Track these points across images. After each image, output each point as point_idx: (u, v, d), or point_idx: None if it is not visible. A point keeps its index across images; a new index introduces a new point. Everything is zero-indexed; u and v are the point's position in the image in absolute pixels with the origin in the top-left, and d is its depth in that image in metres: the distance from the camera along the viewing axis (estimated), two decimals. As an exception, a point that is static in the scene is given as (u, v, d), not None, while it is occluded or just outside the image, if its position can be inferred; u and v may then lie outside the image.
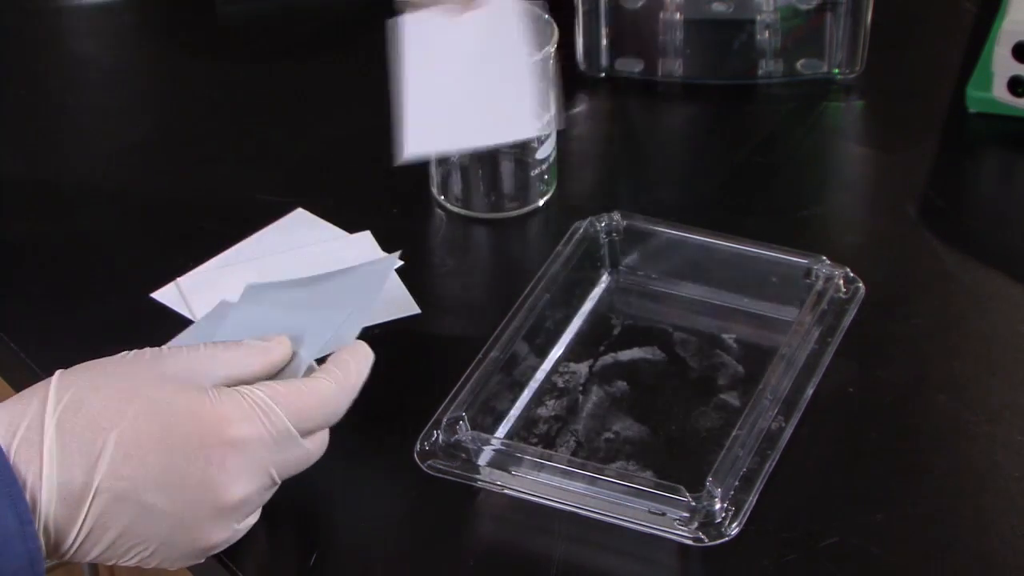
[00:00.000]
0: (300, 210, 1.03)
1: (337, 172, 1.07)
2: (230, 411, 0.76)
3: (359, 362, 0.82)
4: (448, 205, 1.04)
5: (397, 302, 0.96)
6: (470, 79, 0.95)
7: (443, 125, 0.94)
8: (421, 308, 0.97)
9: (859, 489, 0.85)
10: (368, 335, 0.94)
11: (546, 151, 1.02)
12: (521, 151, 1.02)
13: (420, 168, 1.03)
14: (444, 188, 1.04)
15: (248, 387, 0.77)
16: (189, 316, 0.95)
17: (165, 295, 0.97)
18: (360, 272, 0.89)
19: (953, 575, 0.81)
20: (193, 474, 0.74)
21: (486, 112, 0.95)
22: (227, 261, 0.99)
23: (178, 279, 0.98)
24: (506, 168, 1.03)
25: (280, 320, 0.85)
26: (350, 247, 1.00)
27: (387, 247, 1.00)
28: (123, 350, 0.94)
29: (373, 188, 1.05)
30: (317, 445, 0.80)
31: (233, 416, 0.75)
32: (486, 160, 1.02)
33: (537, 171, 1.03)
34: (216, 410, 0.75)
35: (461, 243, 1.03)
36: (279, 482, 0.78)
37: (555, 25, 1.00)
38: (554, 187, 1.04)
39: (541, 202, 1.04)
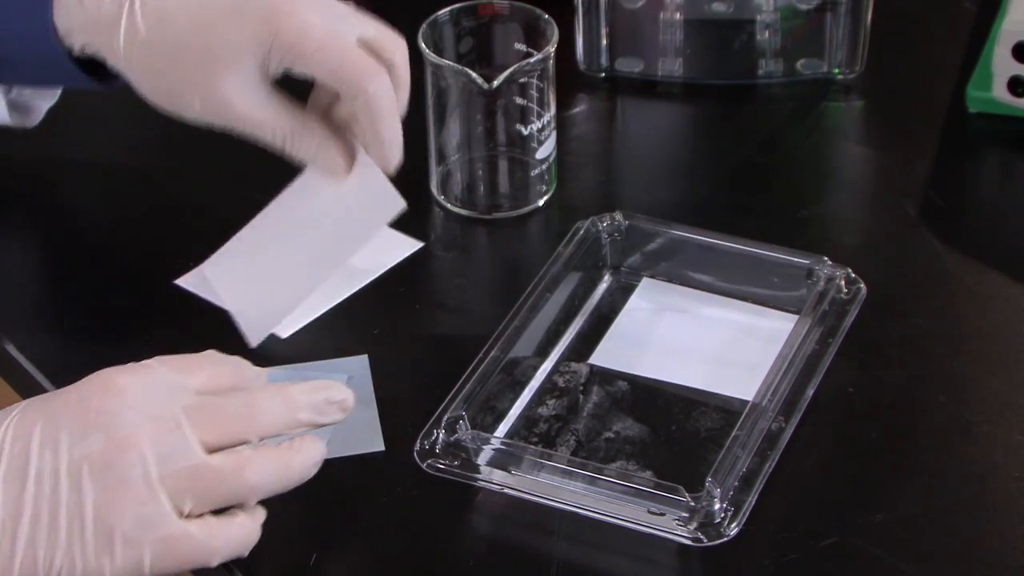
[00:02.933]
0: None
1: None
2: None
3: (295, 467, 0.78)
4: (448, 205, 1.04)
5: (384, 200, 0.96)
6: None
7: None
8: (421, 308, 0.97)
9: (859, 489, 0.85)
10: (368, 335, 0.94)
11: (546, 151, 1.02)
12: (521, 151, 1.02)
13: (420, 167, 1.03)
14: (444, 188, 1.04)
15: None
16: (216, 302, 0.95)
17: (189, 281, 0.97)
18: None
19: (953, 575, 0.81)
20: None
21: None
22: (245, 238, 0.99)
23: (203, 266, 0.97)
24: (506, 168, 1.03)
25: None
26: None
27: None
28: (123, 350, 0.95)
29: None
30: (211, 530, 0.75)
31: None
32: (486, 160, 1.02)
33: (537, 171, 1.03)
34: None
35: (461, 243, 1.03)
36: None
37: (555, 25, 1.00)
38: (554, 187, 1.04)
39: (541, 202, 1.04)
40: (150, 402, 0.74)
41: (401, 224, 1.02)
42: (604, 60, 1.15)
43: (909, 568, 0.81)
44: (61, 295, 0.99)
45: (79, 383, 0.75)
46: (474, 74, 0.97)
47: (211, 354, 0.78)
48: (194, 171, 1.07)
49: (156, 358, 0.77)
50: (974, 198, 1.09)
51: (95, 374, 0.75)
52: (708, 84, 1.15)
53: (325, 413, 0.78)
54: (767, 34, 1.13)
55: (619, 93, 1.15)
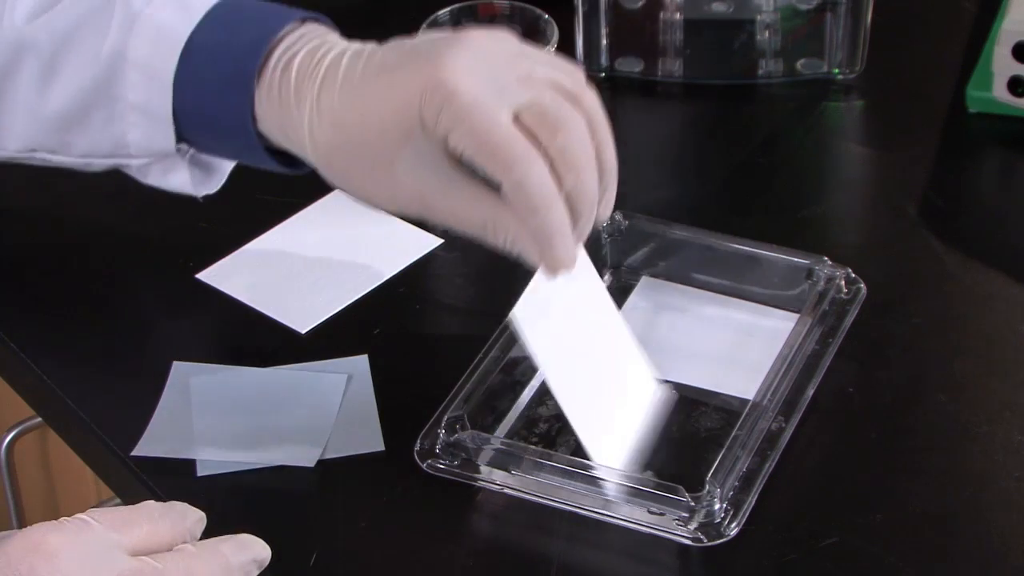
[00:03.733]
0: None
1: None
2: None
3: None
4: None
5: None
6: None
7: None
8: (422, 308, 0.97)
9: (859, 489, 0.85)
10: (369, 335, 0.94)
11: None
12: None
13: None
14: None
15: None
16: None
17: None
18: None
19: (953, 575, 0.81)
20: None
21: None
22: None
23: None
24: None
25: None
26: (387, 230, 1.00)
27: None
28: (122, 350, 0.95)
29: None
30: None
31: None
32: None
33: None
34: None
35: (461, 242, 1.03)
36: None
37: (555, 25, 1.00)
38: None
39: None
40: (84, 569, 0.67)
41: (401, 224, 1.02)
42: (604, 60, 1.15)
43: (909, 568, 0.81)
44: (61, 295, 0.99)
45: (7, 542, 0.67)
46: None
47: (149, 506, 0.72)
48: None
49: (91, 511, 0.71)
50: (974, 198, 1.09)
51: (26, 532, 0.68)
52: (708, 84, 1.15)
53: (251, 574, 0.74)
54: (767, 34, 1.13)
55: (619, 93, 1.15)
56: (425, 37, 0.83)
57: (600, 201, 0.81)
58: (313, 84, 0.84)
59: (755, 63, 1.14)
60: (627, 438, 0.86)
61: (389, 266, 0.99)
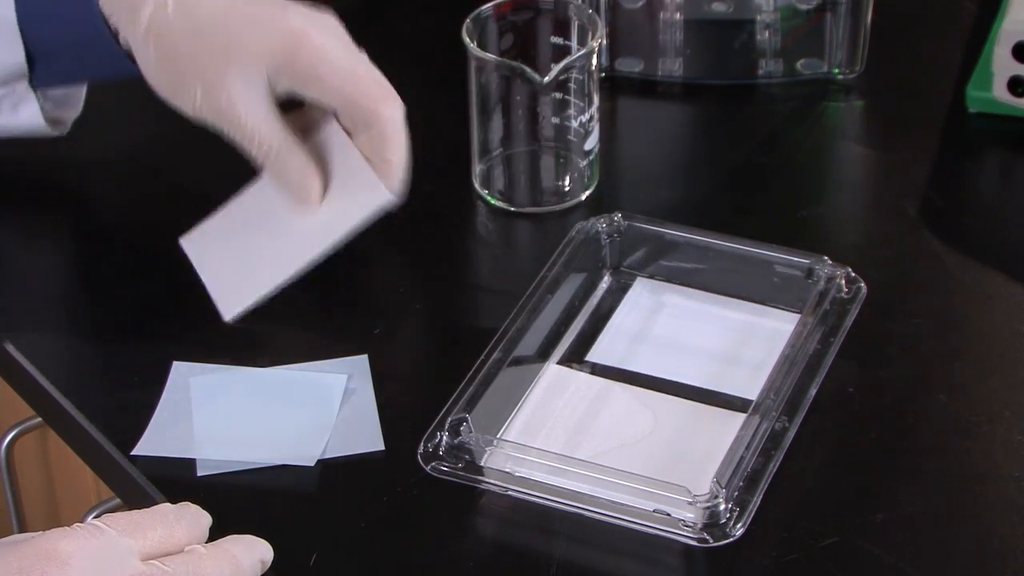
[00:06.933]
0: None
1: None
2: None
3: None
4: (491, 199, 1.04)
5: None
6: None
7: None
8: (423, 309, 0.97)
9: (859, 489, 0.85)
10: (369, 334, 0.94)
11: (591, 143, 1.02)
12: (565, 145, 1.02)
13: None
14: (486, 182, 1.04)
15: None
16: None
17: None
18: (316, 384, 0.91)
19: (953, 575, 0.81)
20: None
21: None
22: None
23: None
24: (551, 162, 1.03)
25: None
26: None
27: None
28: (122, 350, 0.95)
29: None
30: None
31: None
32: (528, 155, 1.03)
33: (584, 163, 1.03)
34: None
35: (461, 243, 1.03)
36: None
37: (599, 19, 1.01)
38: (596, 181, 1.04)
39: (584, 196, 1.04)
40: (96, 575, 0.68)
41: (402, 224, 1.02)
42: (604, 60, 1.15)
43: (909, 568, 0.81)
44: (61, 295, 0.99)
45: (20, 549, 0.67)
46: (529, 69, 0.98)
47: (163, 510, 0.72)
48: (198, 169, 1.07)
49: (105, 516, 0.71)
50: (974, 198, 1.09)
51: (38, 539, 0.68)
52: (708, 84, 1.15)
53: (258, 574, 0.74)
54: (767, 34, 1.13)
55: (619, 93, 1.15)
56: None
57: None
58: None
59: (755, 63, 1.14)
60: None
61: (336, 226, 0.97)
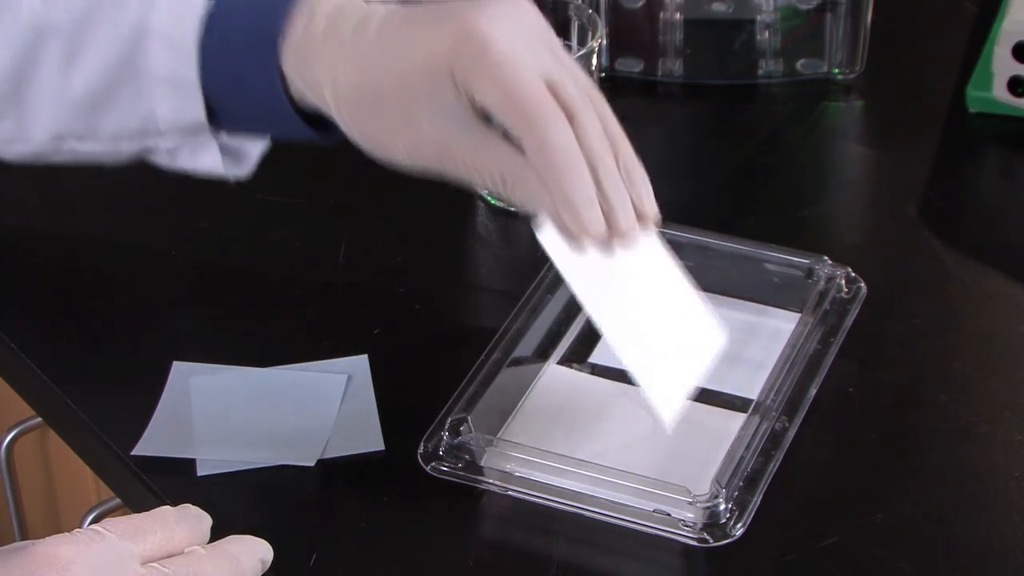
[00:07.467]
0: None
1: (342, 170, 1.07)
2: None
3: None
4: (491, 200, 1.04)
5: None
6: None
7: None
8: (423, 309, 0.97)
9: (859, 489, 0.85)
10: (369, 334, 0.94)
11: None
12: None
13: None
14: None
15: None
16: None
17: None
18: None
19: (953, 575, 0.81)
20: None
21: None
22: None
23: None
24: None
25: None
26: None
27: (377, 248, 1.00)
28: (122, 350, 0.95)
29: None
30: None
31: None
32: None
33: None
34: None
35: (461, 243, 1.03)
36: None
37: (599, 19, 1.01)
38: None
39: None
40: None
41: (404, 224, 1.02)
42: (604, 60, 1.15)
43: (909, 568, 0.81)
44: (61, 295, 0.99)
45: (21, 555, 0.67)
46: None
47: (163, 512, 0.72)
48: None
49: (106, 520, 0.71)
50: (974, 198, 1.09)
51: (38, 545, 0.67)
52: (708, 84, 1.15)
53: (258, 574, 0.74)
54: (767, 34, 1.13)
55: (619, 93, 1.15)
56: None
57: (643, 201, 0.81)
58: (342, 30, 0.83)
59: (755, 63, 1.14)
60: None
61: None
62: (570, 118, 0.78)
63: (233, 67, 0.87)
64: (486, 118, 0.79)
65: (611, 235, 0.80)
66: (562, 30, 1.02)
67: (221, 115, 0.89)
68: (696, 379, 0.84)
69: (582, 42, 1.01)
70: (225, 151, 0.92)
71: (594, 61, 1.00)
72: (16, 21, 0.89)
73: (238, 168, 0.93)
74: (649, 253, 0.83)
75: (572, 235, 0.79)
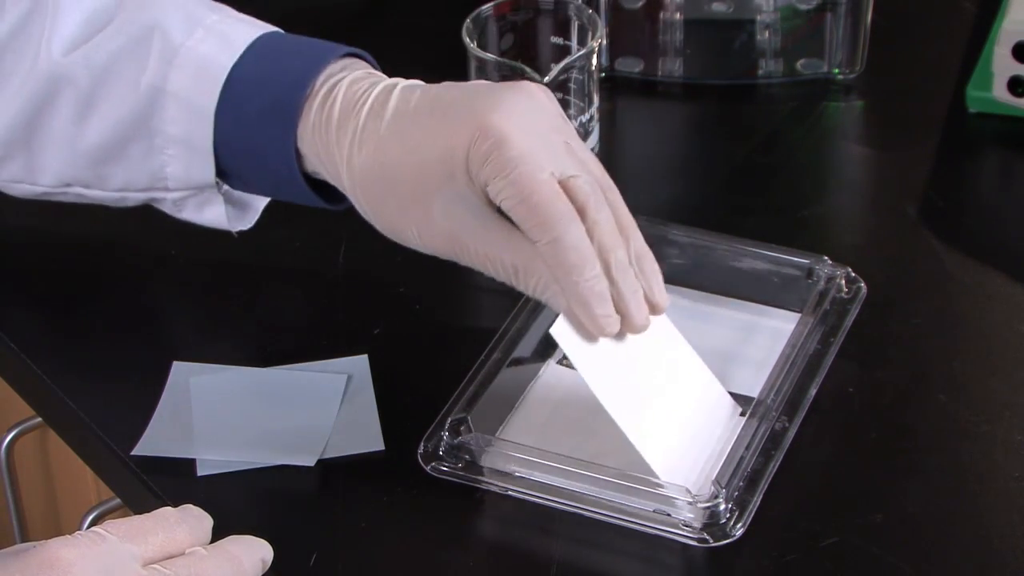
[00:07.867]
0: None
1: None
2: None
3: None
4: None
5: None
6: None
7: None
8: (423, 309, 0.97)
9: (859, 489, 0.85)
10: (369, 335, 0.94)
11: (591, 143, 1.02)
12: None
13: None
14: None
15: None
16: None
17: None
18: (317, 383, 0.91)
19: (953, 575, 0.81)
20: None
21: None
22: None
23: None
24: None
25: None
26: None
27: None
28: (122, 350, 0.95)
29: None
30: None
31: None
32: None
33: None
34: None
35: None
36: None
37: (599, 19, 1.01)
38: None
39: None
40: None
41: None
42: (604, 60, 1.15)
43: (909, 568, 0.81)
44: (61, 295, 0.99)
45: (22, 558, 0.67)
46: (529, 69, 0.98)
47: (165, 514, 0.72)
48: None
49: (107, 522, 0.71)
50: (974, 198, 1.09)
51: (40, 547, 0.67)
52: (708, 84, 1.15)
53: (259, 574, 0.74)
54: (767, 34, 1.13)
55: (619, 93, 1.15)
56: (480, 83, 0.84)
57: (653, 291, 0.83)
58: (359, 113, 0.84)
59: (755, 63, 1.14)
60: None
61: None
62: (582, 214, 0.80)
63: (248, 136, 0.87)
64: (499, 209, 0.81)
65: (624, 327, 0.82)
66: (562, 30, 1.03)
67: (231, 176, 0.90)
68: (703, 454, 0.86)
69: (582, 42, 1.01)
70: (229, 201, 0.93)
71: (594, 61, 1.00)
72: (34, 68, 0.90)
73: (242, 221, 0.95)
74: (658, 333, 0.85)
75: (586, 332, 0.82)
